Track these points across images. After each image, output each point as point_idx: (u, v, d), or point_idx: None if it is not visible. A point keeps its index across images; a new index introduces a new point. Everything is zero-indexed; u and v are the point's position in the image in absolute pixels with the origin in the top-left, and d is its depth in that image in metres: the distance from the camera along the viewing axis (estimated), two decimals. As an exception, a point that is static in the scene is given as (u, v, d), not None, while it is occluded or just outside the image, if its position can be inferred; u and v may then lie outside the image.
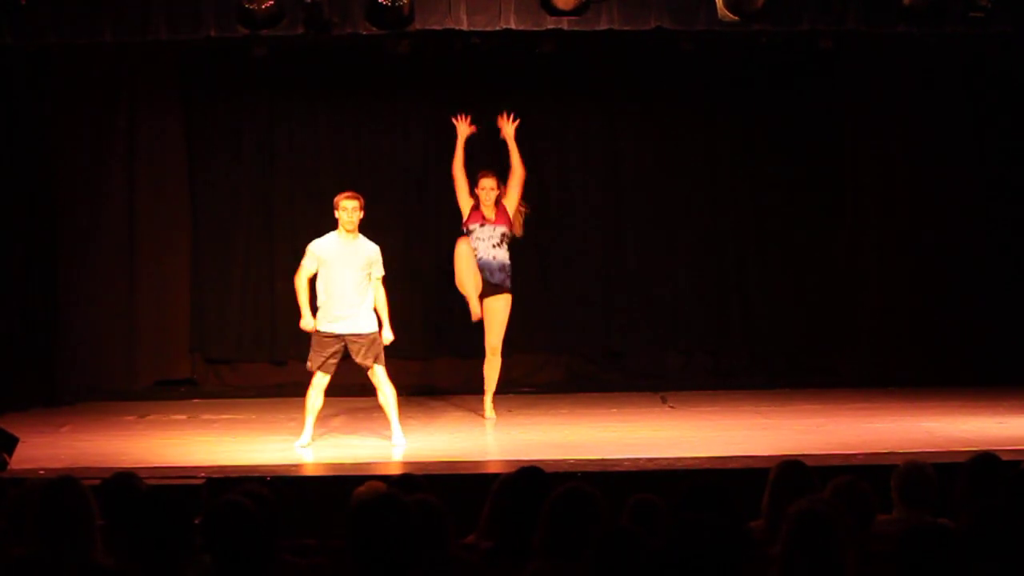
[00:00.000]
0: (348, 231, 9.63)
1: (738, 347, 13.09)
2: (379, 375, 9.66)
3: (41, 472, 8.15)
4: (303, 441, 9.59)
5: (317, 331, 9.62)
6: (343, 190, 9.88)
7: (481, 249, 10.76)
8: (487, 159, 11.44)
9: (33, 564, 4.38)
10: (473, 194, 10.89)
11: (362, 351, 9.61)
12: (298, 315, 9.70)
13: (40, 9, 9.64)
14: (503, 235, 10.82)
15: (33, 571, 4.35)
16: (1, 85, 11.39)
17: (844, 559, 4.39)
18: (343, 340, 9.61)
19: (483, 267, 10.75)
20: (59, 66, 11.92)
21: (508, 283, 10.83)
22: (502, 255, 10.79)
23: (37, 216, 12.08)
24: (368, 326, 9.64)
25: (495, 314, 10.81)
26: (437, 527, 4.89)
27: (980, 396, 11.55)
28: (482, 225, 10.80)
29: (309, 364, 9.67)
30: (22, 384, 11.78)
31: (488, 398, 10.99)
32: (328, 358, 9.61)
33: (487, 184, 10.84)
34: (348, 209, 9.60)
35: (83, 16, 9.76)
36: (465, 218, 10.89)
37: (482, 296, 10.77)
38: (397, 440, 9.64)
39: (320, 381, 9.62)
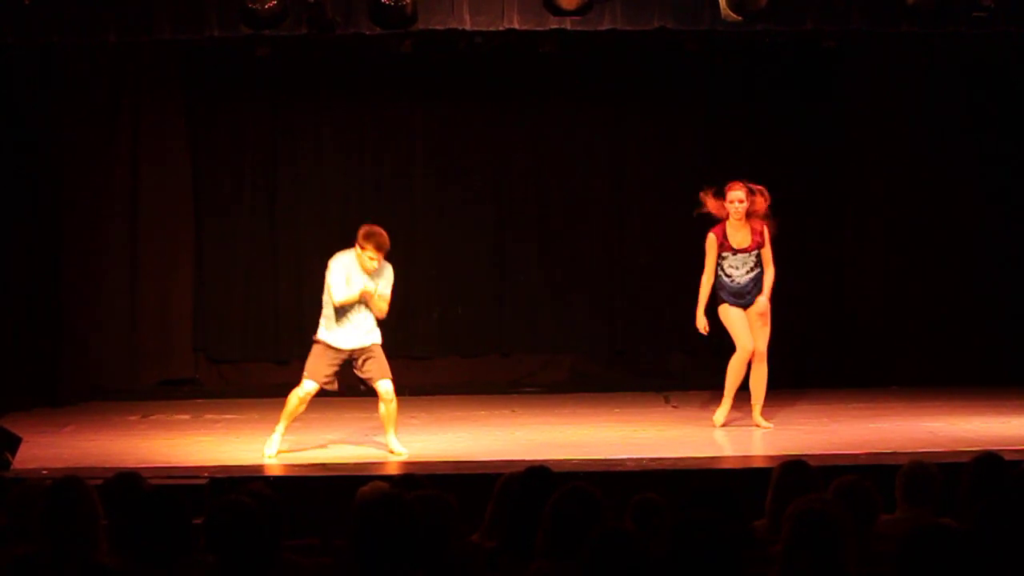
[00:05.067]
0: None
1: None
2: (384, 388, 9.31)
3: (44, 472, 8.16)
4: (271, 451, 9.26)
5: (324, 343, 9.34)
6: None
7: (736, 276, 10.36)
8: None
9: (35, 563, 4.39)
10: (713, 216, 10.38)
11: (367, 364, 9.29)
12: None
13: (43, 9, 9.62)
14: (758, 257, 10.35)
15: (36, 570, 4.35)
16: (4, 84, 11.39)
17: (845, 558, 4.39)
18: (348, 355, 9.31)
19: (739, 292, 10.37)
20: (62, 65, 11.91)
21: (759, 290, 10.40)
22: (758, 273, 10.35)
23: (40, 216, 12.07)
24: (371, 339, 9.34)
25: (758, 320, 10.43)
26: (445, 522, 4.90)
27: (983, 396, 11.54)
28: (735, 254, 10.33)
29: (306, 372, 9.34)
30: (25, 384, 11.78)
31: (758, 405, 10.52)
32: (327, 370, 9.30)
33: (736, 196, 10.23)
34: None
35: (86, 16, 9.74)
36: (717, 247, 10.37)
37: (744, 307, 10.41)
38: (398, 449, 9.34)
39: (309, 389, 9.31)
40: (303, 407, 9.37)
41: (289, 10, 9.77)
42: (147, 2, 9.81)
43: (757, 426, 10.39)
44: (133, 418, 11.28)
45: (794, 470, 5.93)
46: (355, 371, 9.41)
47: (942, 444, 9.44)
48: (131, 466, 8.13)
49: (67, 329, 12.26)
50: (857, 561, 4.46)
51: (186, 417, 11.29)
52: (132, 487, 5.99)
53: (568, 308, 13.01)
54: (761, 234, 10.32)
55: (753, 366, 10.38)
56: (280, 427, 9.36)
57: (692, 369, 12.95)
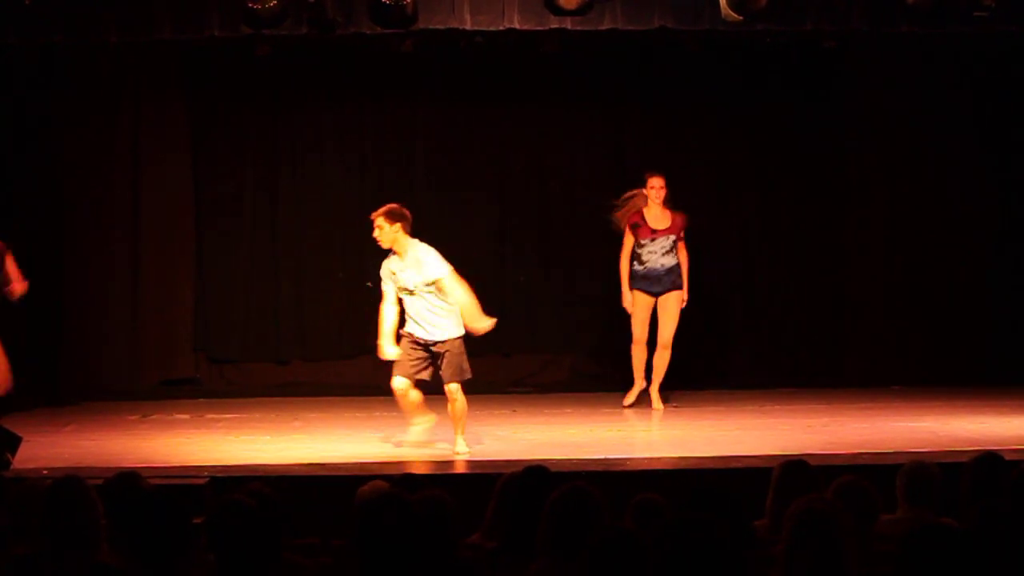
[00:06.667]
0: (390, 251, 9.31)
1: (742, 347, 13.08)
2: (447, 388, 9.31)
3: (44, 471, 8.16)
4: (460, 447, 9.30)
5: (403, 332, 9.29)
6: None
7: (652, 260, 11.17)
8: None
9: (35, 563, 4.39)
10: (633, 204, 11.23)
11: (442, 363, 9.27)
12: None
13: (44, 9, 9.63)
14: (674, 242, 11.22)
15: (36, 570, 4.36)
16: (5, 85, 11.39)
17: (846, 558, 4.39)
18: (424, 346, 9.28)
19: (650, 275, 11.19)
20: (63, 65, 11.91)
21: (679, 282, 11.26)
22: (671, 261, 11.21)
23: (41, 216, 12.07)
24: (439, 334, 9.28)
25: (668, 310, 11.23)
26: (443, 521, 4.89)
27: (984, 396, 11.54)
28: (653, 239, 11.17)
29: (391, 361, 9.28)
30: (26, 383, 11.73)
31: (655, 389, 11.35)
32: (406, 364, 9.23)
33: (656, 183, 11.19)
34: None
35: (86, 16, 9.76)
36: (633, 239, 11.19)
37: (656, 295, 11.24)
38: (460, 448, 9.30)
39: (395, 384, 9.25)
40: (404, 402, 9.34)
41: (289, 10, 9.78)
42: (147, 2, 9.82)
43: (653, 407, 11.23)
44: (133, 418, 11.27)
45: (794, 470, 5.94)
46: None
47: (942, 444, 9.43)
48: (131, 465, 8.12)
49: (68, 329, 12.27)
50: (858, 561, 4.47)
51: (186, 417, 11.28)
52: (132, 487, 5.98)
53: (568, 308, 13.00)
54: (677, 222, 11.23)
55: (657, 353, 11.23)
56: (418, 420, 9.43)
57: (692, 369, 12.95)
